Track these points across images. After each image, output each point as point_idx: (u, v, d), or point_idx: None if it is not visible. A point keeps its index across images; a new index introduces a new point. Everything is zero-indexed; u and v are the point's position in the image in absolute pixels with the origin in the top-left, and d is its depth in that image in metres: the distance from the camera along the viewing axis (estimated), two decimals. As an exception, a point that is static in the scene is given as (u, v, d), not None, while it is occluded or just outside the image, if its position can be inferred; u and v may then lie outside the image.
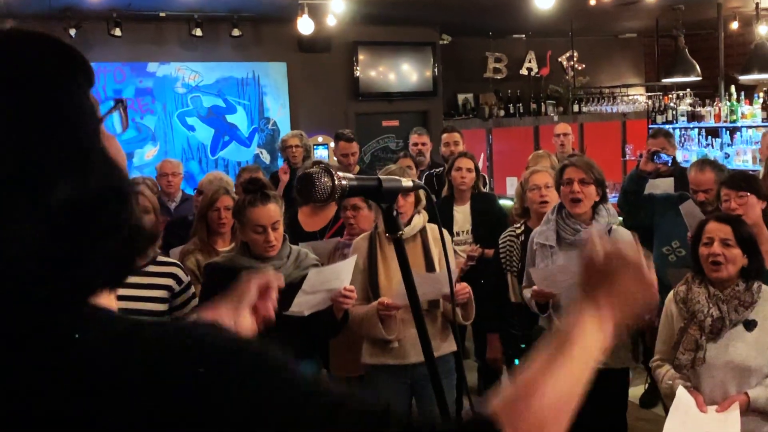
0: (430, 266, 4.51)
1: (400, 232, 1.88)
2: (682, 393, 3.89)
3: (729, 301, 3.90)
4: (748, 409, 3.78)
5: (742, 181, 4.70)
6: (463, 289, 4.38)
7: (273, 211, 4.05)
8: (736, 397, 3.81)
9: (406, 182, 1.87)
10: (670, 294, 4.18)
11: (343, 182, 1.68)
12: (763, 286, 3.95)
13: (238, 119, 11.16)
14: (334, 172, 1.67)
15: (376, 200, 1.81)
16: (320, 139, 11.18)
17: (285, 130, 10.99)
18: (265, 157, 11.22)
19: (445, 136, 8.30)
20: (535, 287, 4.57)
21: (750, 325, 3.89)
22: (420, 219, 4.62)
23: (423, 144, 8.41)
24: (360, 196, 2.01)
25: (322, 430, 1.08)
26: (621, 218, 5.72)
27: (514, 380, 1.38)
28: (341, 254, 4.86)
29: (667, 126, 12.06)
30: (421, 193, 4.65)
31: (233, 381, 1.04)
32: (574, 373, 1.41)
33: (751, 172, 5.22)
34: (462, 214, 6.40)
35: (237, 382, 1.04)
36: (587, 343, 1.47)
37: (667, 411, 4.85)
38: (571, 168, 4.72)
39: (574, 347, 1.44)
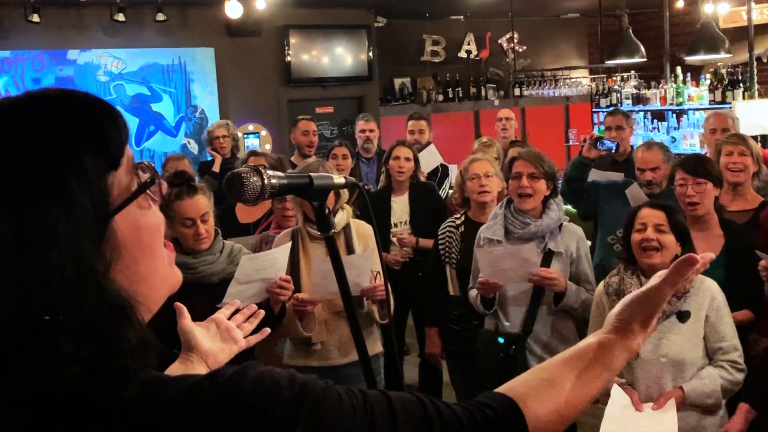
0: None
1: (333, 231, 1.92)
2: (616, 392, 3.93)
3: None
4: (684, 404, 3.85)
5: (699, 165, 4.71)
6: (380, 287, 4.44)
7: (201, 202, 4.09)
8: (672, 393, 3.87)
9: (338, 179, 1.91)
10: (601, 285, 4.22)
11: (273, 181, 1.70)
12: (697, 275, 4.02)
13: (164, 108, 11.09)
14: (263, 171, 1.70)
15: (308, 198, 1.84)
16: (251, 127, 11.16)
17: (214, 118, 10.94)
18: (193, 147, 11.16)
19: (411, 123, 8.31)
20: (480, 278, 4.60)
21: (683, 317, 3.94)
22: (343, 215, 4.66)
23: (371, 131, 8.40)
24: (291, 194, 2.03)
25: None
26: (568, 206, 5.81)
27: (543, 368, 1.52)
28: (267, 248, 4.89)
29: (611, 109, 12.25)
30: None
31: (309, 422, 1.12)
32: (599, 385, 1.53)
33: (705, 156, 5.29)
34: (400, 205, 6.43)
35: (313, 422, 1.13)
36: (618, 363, 1.58)
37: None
38: (520, 161, 4.74)
39: (613, 361, 1.56)
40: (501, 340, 4.63)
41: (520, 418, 1.38)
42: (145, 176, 1.22)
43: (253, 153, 6.08)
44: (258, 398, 1.10)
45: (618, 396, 3.92)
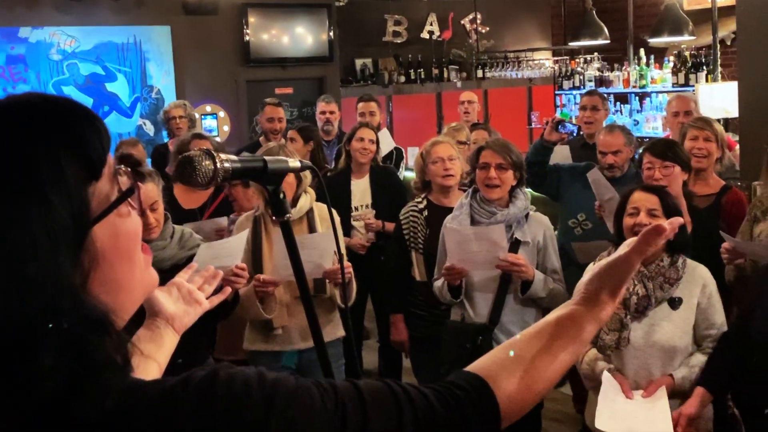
0: None
1: (288, 215, 1.91)
2: (607, 380, 3.94)
3: (654, 277, 3.95)
4: (674, 391, 3.87)
5: (667, 149, 4.72)
6: (346, 268, 4.43)
7: (150, 191, 4.00)
8: (662, 380, 3.89)
9: (293, 162, 1.90)
10: (590, 266, 4.24)
11: (226, 165, 1.69)
12: (688, 261, 4.03)
13: (119, 88, 10.98)
14: (216, 155, 1.69)
15: (262, 182, 1.83)
16: (209, 108, 11.09)
17: (170, 98, 10.85)
18: (149, 129, 11.07)
19: (361, 105, 8.29)
20: (447, 264, 4.60)
21: (675, 303, 3.97)
22: (306, 199, 4.64)
23: (331, 113, 8.37)
24: (244, 178, 2.02)
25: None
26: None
27: (511, 344, 1.52)
28: (232, 231, 4.88)
29: (574, 92, 12.33)
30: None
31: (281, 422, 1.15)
32: (569, 358, 1.55)
33: (673, 140, 5.33)
34: (360, 188, 6.43)
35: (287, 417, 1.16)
36: (588, 335, 1.59)
37: (575, 389, 5.01)
38: (488, 151, 4.75)
39: (582, 333, 1.58)
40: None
41: (491, 397, 1.41)
42: (124, 183, 1.22)
43: (198, 135, 5.96)
44: (230, 402, 1.12)
45: (609, 384, 3.94)
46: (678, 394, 3.89)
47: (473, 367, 1.46)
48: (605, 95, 7.93)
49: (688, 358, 3.96)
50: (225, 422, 1.10)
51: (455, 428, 1.35)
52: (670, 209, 3.98)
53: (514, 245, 4.62)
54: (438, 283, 4.80)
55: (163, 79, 11.17)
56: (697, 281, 4.00)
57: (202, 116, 11.02)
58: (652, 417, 3.80)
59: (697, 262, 4.06)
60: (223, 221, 5.22)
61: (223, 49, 11.44)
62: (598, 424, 3.90)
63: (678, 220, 1.62)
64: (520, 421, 3.96)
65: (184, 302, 2.17)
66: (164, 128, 8.43)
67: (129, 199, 1.22)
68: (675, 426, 3.66)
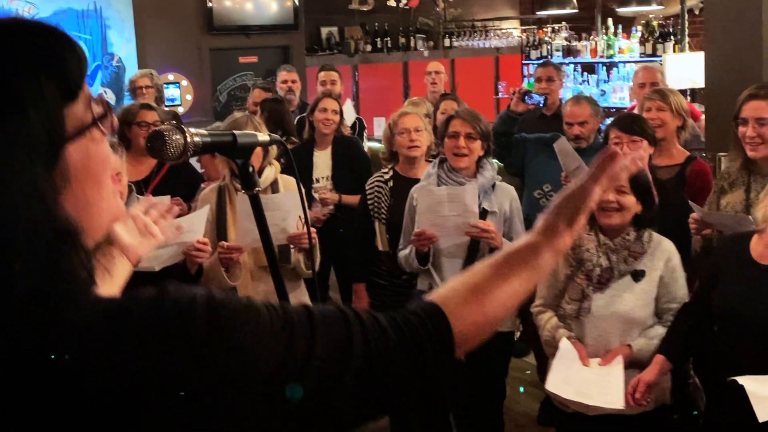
0: None
1: (257, 189, 1.95)
2: (565, 345, 4.01)
3: (619, 251, 4.02)
4: (631, 362, 3.94)
5: (634, 123, 4.77)
6: (306, 234, 4.43)
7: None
8: (620, 349, 3.97)
9: (263, 136, 1.94)
10: None
11: (196, 139, 1.73)
12: (654, 235, 4.09)
13: (79, 56, 10.90)
14: (185, 129, 1.73)
15: (231, 156, 1.87)
16: (171, 77, 11.04)
17: (131, 67, 10.80)
18: (110, 97, 10.99)
19: (322, 74, 8.29)
20: (417, 230, 4.62)
21: (638, 276, 4.03)
22: (272, 171, 4.66)
23: (293, 82, 8.37)
24: (214, 152, 2.06)
25: (308, 359, 1.24)
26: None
27: (468, 275, 1.54)
28: (197, 204, 4.89)
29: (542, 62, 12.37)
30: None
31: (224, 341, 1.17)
32: (525, 287, 1.57)
33: (638, 114, 5.39)
34: (322, 160, 6.45)
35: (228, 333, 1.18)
36: (544, 263, 1.61)
37: (539, 358, 5.09)
38: (457, 120, 4.78)
39: (538, 258, 1.60)
40: None
41: (444, 322, 1.43)
42: (98, 110, 1.27)
43: (146, 106, 5.91)
44: (176, 314, 1.15)
45: (566, 349, 4.01)
46: (635, 365, 3.96)
47: (432, 295, 1.49)
48: (560, 65, 8.00)
49: (648, 329, 4.03)
50: (171, 334, 1.13)
51: (408, 353, 1.37)
52: (639, 184, 4.03)
53: (482, 215, 4.66)
54: (405, 251, 4.83)
55: (124, 47, 11.10)
56: (662, 255, 4.07)
57: (165, 85, 10.97)
58: (605, 386, 3.88)
59: (663, 236, 4.14)
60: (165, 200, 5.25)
61: (185, 16, 11.37)
62: (548, 386, 4.00)
63: (639, 154, 1.66)
64: (486, 388, 4.02)
65: (140, 234, 2.22)
66: (130, 98, 8.37)
67: (101, 126, 1.27)
68: (633, 392, 3.73)
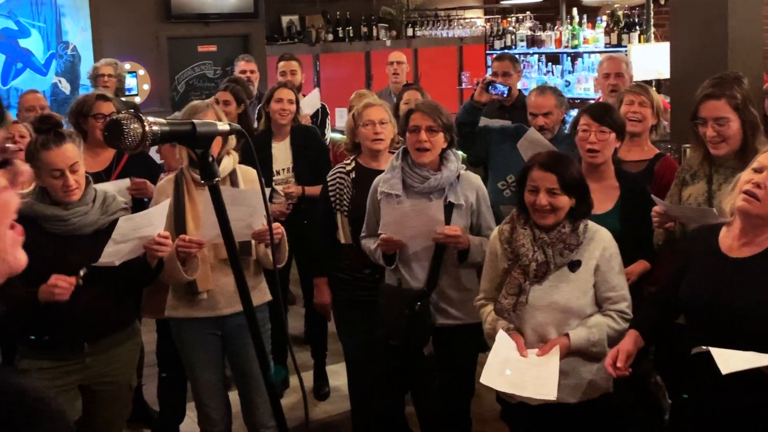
0: None
1: (217, 179, 1.94)
2: (502, 336, 4.05)
3: (554, 244, 4.05)
4: (569, 351, 3.99)
5: (606, 115, 4.78)
6: (276, 229, 4.45)
7: (70, 151, 4.03)
8: (557, 340, 4.00)
9: (222, 126, 1.94)
10: (495, 231, 4.32)
11: (155, 128, 1.73)
12: (590, 224, 4.13)
13: (33, 44, 10.81)
14: (144, 118, 1.72)
15: (190, 145, 1.87)
16: (128, 66, 10.96)
17: (86, 56, 10.73)
18: (65, 87, 10.92)
19: (282, 64, 8.24)
20: (383, 235, 4.63)
21: (574, 266, 4.08)
22: (230, 161, 4.65)
23: (252, 72, 8.33)
24: (173, 141, 2.05)
25: None
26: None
27: None
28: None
29: (506, 52, 12.40)
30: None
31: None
32: None
33: (611, 105, 5.43)
34: (281, 151, 6.42)
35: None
36: None
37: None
38: (417, 114, 4.75)
39: None
40: None
41: None
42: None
43: (102, 97, 5.81)
44: None
45: (503, 340, 4.05)
46: (576, 352, 4.02)
47: None
48: (517, 57, 8.02)
49: (586, 319, 4.08)
50: None
51: None
52: (569, 184, 4.06)
53: (448, 208, 4.68)
54: (370, 244, 4.84)
55: (79, 35, 11.01)
56: (598, 244, 4.11)
57: (122, 75, 10.92)
58: (541, 377, 3.92)
59: (599, 226, 4.18)
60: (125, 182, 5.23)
61: (142, 3, 11.31)
62: (483, 379, 4.02)
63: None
64: (455, 382, 4.01)
65: None
66: (92, 86, 8.28)
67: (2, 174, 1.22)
68: (613, 362, 3.74)
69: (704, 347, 3.37)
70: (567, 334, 4.03)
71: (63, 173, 4.00)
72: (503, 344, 4.05)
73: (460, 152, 5.05)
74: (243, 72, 8.34)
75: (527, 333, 4.09)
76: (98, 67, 8.28)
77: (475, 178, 4.90)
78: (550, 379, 3.89)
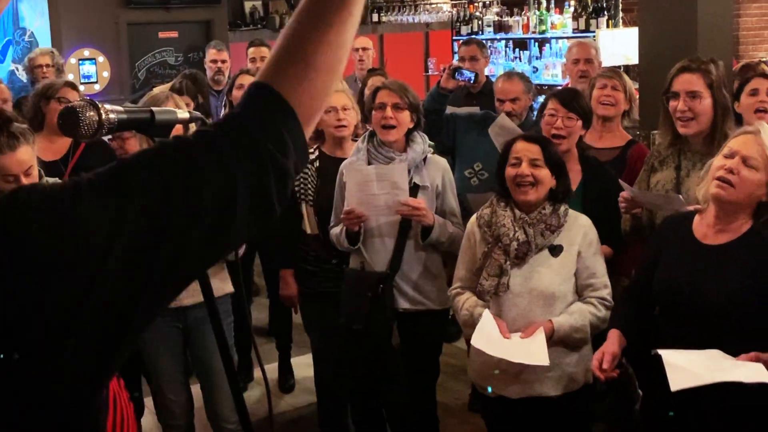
0: None
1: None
2: (487, 316, 4.05)
3: (535, 224, 4.09)
4: (552, 338, 4.00)
5: (574, 100, 4.82)
6: None
7: (24, 156, 3.83)
8: (541, 323, 4.03)
9: (182, 114, 1.92)
10: (473, 218, 4.35)
11: (111, 116, 1.70)
12: (570, 210, 4.19)
13: (-12, 30, 10.71)
14: (100, 105, 1.70)
15: (149, 134, 1.85)
16: (87, 52, 10.88)
17: (44, 42, 10.61)
18: (22, 75, 10.79)
19: (252, 50, 8.20)
20: (347, 208, 4.65)
21: (555, 251, 4.12)
22: None
23: (223, 61, 8.24)
24: (130, 130, 2.03)
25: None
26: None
27: (284, 38, 1.43)
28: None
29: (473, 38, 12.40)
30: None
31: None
32: (353, 24, 1.46)
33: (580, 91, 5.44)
34: None
35: None
36: None
37: (469, 344, 5.12)
38: (384, 91, 4.80)
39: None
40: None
41: (270, 91, 1.38)
42: None
43: (71, 84, 5.75)
44: None
45: (487, 320, 4.05)
46: (558, 342, 4.04)
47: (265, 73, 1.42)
48: (485, 42, 8.02)
49: (568, 306, 4.10)
50: None
51: (242, 131, 1.34)
52: (552, 159, 4.11)
53: (413, 190, 4.70)
54: (336, 230, 4.84)
55: (37, 21, 10.90)
56: (579, 230, 4.16)
57: (80, 61, 10.81)
58: (529, 348, 3.94)
59: (579, 212, 4.21)
60: None
61: (102, -12, 11.20)
62: (473, 341, 4.02)
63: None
64: (420, 367, 4.01)
65: None
66: (29, 77, 8.15)
67: None
68: (600, 364, 3.74)
69: (659, 352, 3.39)
70: (550, 320, 4.05)
71: (17, 178, 3.83)
72: (487, 324, 4.04)
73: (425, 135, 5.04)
74: (214, 62, 8.23)
75: (508, 320, 4.10)
76: (34, 58, 8.04)
77: (442, 162, 4.93)
78: (540, 347, 3.91)
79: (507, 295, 4.10)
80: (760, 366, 3.23)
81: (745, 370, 3.23)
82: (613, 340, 3.80)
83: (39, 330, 1.16)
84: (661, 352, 3.39)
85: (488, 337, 4.00)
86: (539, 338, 3.95)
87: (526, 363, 3.93)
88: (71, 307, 1.17)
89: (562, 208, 4.16)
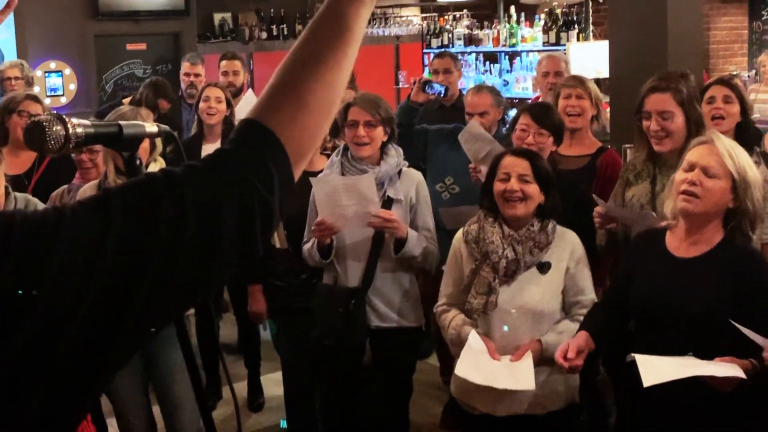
0: None
1: (144, 183, 1.91)
2: (474, 337, 4.04)
3: (524, 242, 4.08)
4: (542, 357, 4.00)
5: (546, 116, 4.83)
6: None
7: None
8: (529, 344, 4.02)
9: (150, 127, 1.91)
10: (459, 233, 4.33)
11: (78, 130, 1.69)
12: (558, 226, 4.18)
13: (-48, 42, 10.62)
14: (67, 119, 1.69)
15: (117, 148, 1.84)
16: (53, 65, 10.82)
17: (10, 54, 10.53)
18: (-12, 88, 10.73)
19: (224, 63, 8.14)
20: (317, 219, 4.61)
21: (544, 268, 4.11)
22: (155, 167, 4.61)
23: (196, 75, 8.19)
24: (98, 144, 2.02)
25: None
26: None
27: (278, 76, 1.45)
28: (74, 197, 4.79)
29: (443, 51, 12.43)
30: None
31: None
32: (348, 66, 1.48)
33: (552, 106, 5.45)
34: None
35: None
36: (360, 25, 1.50)
37: (442, 360, 5.13)
38: (355, 109, 4.75)
39: (353, 35, 1.48)
40: None
41: (260, 128, 1.38)
42: None
43: (32, 97, 5.72)
44: None
45: (474, 341, 4.04)
46: (545, 361, 4.02)
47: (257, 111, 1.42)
48: (458, 55, 8.04)
49: (556, 324, 4.10)
50: None
51: (231, 168, 1.33)
52: (541, 174, 4.11)
53: (387, 203, 4.69)
54: (308, 245, 4.81)
55: (2, 32, 10.81)
56: (567, 246, 4.16)
57: (46, 74, 10.75)
58: (516, 373, 3.92)
59: (567, 228, 4.21)
60: (62, 189, 5.11)
61: (69, 0, 11.14)
62: (458, 371, 4.02)
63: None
64: (393, 385, 3.97)
65: None
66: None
67: None
68: (564, 354, 3.74)
69: (633, 355, 3.41)
70: (539, 340, 4.04)
71: None
72: (476, 344, 4.03)
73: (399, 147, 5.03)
74: (187, 75, 8.19)
75: (496, 338, 4.10)
76: (3, 70, 7.95)
77: (417, 175, 4.92)
78: (526, 371, 3.90)
79: (495, 312, 4.09)
80: (734, 365, 3.25)
81: (719, 367, 3.25)
82: (580, 336, 3.81)
83: (8, 367, 1.14)
84: (635, 355, 3.40)
85: (474, 363, 3.98)
86: (527, 362, 3.94)
87: (512, 389, 3.93)
88: (43, 344, 1.15)
89: (550, 224, 4.15)
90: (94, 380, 1.23)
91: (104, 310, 1.18)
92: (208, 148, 6.33)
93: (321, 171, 4.90)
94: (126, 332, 1.22)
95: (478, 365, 3.97)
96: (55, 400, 1.18)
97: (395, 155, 4.82)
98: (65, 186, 5.04)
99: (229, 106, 6.46)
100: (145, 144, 4.52)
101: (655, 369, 3.31)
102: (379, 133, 4.73)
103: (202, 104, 6.33)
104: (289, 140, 1.37)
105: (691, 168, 3.55)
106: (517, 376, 3.91)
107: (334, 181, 4.63)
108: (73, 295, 1.16)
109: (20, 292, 1.13)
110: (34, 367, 1.15)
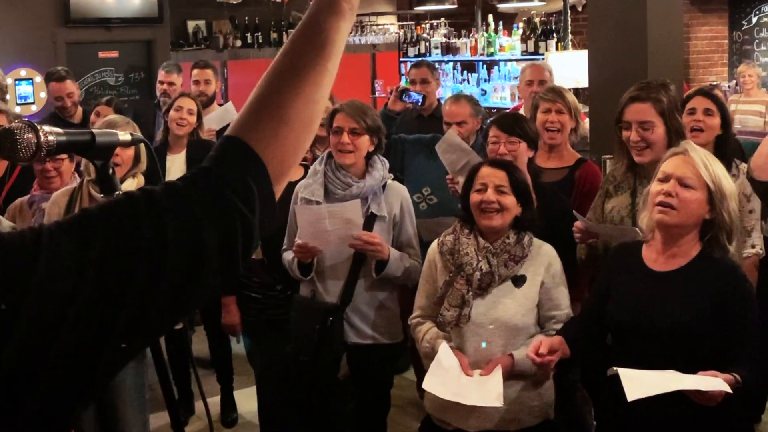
0: None
1: (117, 192, 1.90)
2: (444, 351, 4.03)
3: (499, 254, 4.07)
4: (513, 371, 3.99)
5: (515, 124, 4.79)
6: None
7: None
8: (500, 359, 4.01)
9: (123, 136, 1.89)
10: (434, 244, 4.32)
11: (50, 138, 1.68)
12: (535, 239, 4.16)
13: None
14: (39, 127, 1.67)
15: (89, 157, 1.82)
16: (23, 72, 10.76)
17: (-21, 62, 10.49)
18: (-43, 95, 10.67)
19: (196, 72, 8.10)
20: (299, 241, 4.58)
21: (519, 281, 4.10)
22: (133, 183, 4.57)
23: (170, 84, 8.16)
24: (71, 152, 2.00)
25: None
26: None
27: (257, 92, 1.45)
28: (38, 209, 4.75)
29: (420, 59, 12.43)
30: (142, 149, 4.61)
31: None
32: (329, 81, 1.49)
33: (522, 115, 5.45)
34: (176, 164, 6.31)
35: None
36: (340, 39, 1.51)
37: (419, 374, 5.11)
38: (341, 115, 4.72)
39: (333, 49, 1.50)
40: None
41: (241, 146, 1.38)
42: None
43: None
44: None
45: (445, 354, 4.02)
46: (518, 376, 4.02)
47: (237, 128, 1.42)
48: (435, 64, 8.04)
49: (530, 339, 4.07)
50: None
51: (212, 188, 1.33)
52: (518, 185, 4.10)
53: (370, 220, 4.66)
54: (288, 256, 4.78)
55: (-29, 39, 10.77)
56: (543, 260, 4.15)
57: (16, 81, 10.68)
58: (484, 388, 3.91)
59: (543, 241, 4.20)
60: (23, 199, 5.06)
61: (39, 6, 11.08)
62: (425, 385, 4.00)
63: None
64: (371, 400, 3.99)
65: None
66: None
67: None
68: (536, 350, 3.73)
69: (616, 369, 3.40)
70: (510, 354, 4.03)
71: None
72: (446, 358, 4.01)
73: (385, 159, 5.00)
74: (161, 83, 8.14)
75: (469, 351, 4.08)
76: None
77: (402, 189, 4.89)
78: (495, 388, 3.88)
79: (468, 326, 4.08)
80: (718, 378, 3.25)
81: (703, 381, 3.25)
82: (555, 337, 3.81)
83: None
84: (618, 369, 3.40)
85: (442, 377, 3.97)
86: (496, 378, 3.92)
87: (480, 405, 3.91)
88: (28, 364, 1.14)
89: (527, 237, 4.13)
90: (75, 405, 1.23)
91: (86, 335, 1.18)
92: (173, 159, 6.31)
93: (298, 181, 4.88)
94: (108, 356, 1.22)
95: (445, 380, 3.96)
96: (45, 419, 1.19)
97: (381, 168, 4.78)
98: (23, 198, 4.98)
99: (199, 118, 6.41)
100: (129, 152, 4.51)
101: (640, 383, 3.31)
102: (365, 142, 4.69)
103: (172, 113, 6.28)
104: (269, 157, 1.38)
105: (666, 179, 3.56)
106: (486, 392, 3.88)
107: (319, 209, 4.58)
108: (53, 318, 1.15)
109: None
110: (10, 398, 1.14)
